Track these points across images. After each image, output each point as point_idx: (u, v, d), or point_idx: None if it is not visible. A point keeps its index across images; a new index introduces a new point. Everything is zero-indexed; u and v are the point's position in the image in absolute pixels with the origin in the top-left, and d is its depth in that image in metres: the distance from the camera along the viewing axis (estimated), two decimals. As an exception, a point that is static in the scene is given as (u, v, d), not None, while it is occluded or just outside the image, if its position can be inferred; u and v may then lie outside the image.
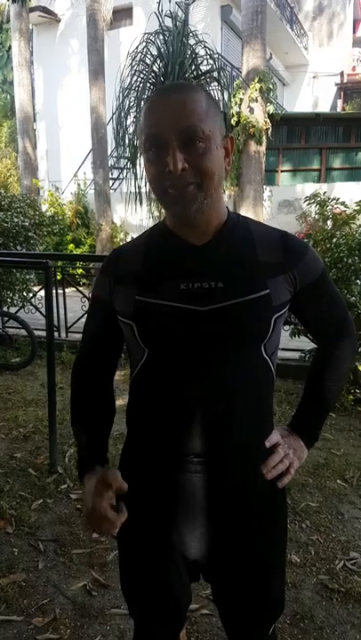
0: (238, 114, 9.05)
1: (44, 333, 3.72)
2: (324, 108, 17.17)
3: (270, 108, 9.37)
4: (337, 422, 3.46)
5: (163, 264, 0.96)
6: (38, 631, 1.73)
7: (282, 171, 11.73)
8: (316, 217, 4.58)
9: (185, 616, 1.12)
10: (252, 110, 9.00)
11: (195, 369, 0.93)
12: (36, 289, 5.33)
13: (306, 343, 3.60)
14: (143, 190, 5.92)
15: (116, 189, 10.92)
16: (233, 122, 9.01)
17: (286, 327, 3.60)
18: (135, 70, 5.49)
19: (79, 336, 1.16)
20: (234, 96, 8.91)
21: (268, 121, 9.14)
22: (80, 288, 5.59)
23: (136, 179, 5.88)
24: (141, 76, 5.53)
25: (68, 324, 5.22)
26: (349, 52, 18.63)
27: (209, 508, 0.99)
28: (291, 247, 0.97)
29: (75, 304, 5.18)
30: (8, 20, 13.00)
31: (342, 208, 3.90)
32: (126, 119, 5.64)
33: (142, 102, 5.37)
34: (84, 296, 5.10)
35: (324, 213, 4.00)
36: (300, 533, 2.26)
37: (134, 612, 1.11)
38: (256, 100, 8.94)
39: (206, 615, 1.80)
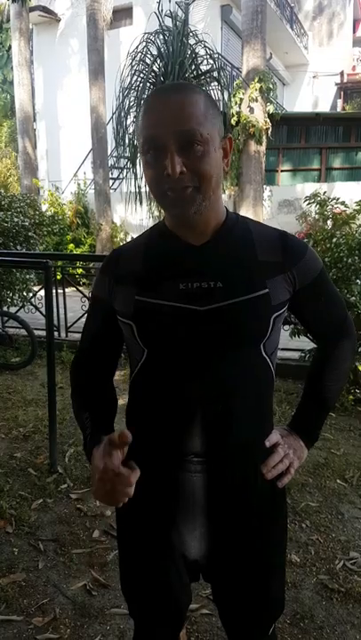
0: (238, 113, 9.04)
1: (43, 333, 3.72)
2: (324, 107, 17.18)
3: (270, 108, 9.36)
4: (337, 422, 3.46)
5: (162, 264, 0.96)
6: (38, 631, 1.73)
7: (282, 170, 11.73)
8: (316, 217, 4.57)
9: (185, 616, 1.12)
10: (252, 110, 8.99)
11: (194, 369, 0.93)
12: (35, 289, 5.33)
13: (306, 343, 3.60)
14: (143, 190, 5.92)
15: (116, 189, 10.92)
16: (233, 121, 9.01)
17: (286, 327, 3.60)
18: (135, 70, 5.50)
19: (79, 336, 1.16)
20: (234, 96, 8.91)
21: (268, 121, 9.13)
22: (80, 288, 5.58)
23: (136, 178, 5.88)
24: (141, 75, 5.53)
25: (68, 324, 5.22)
26: (349, 51, 18.64)
27: (209, 508, 0.99)
28: (290, 247, 0.97)
29: (75, 304, 5.18)
30: (8, 20, 13.02)
31: (342, 208, 3.90)
32: (126, 119, 5.64)
33: (142, 102, 5.37)
34: (84, 296, 5.10)
35: (324, 213, 4.00)
36: (300, 533, 2.26)
37: (134, 611, 1.11)
38: (256, 100, 8.93)
39: (206, 615, 1.80)
